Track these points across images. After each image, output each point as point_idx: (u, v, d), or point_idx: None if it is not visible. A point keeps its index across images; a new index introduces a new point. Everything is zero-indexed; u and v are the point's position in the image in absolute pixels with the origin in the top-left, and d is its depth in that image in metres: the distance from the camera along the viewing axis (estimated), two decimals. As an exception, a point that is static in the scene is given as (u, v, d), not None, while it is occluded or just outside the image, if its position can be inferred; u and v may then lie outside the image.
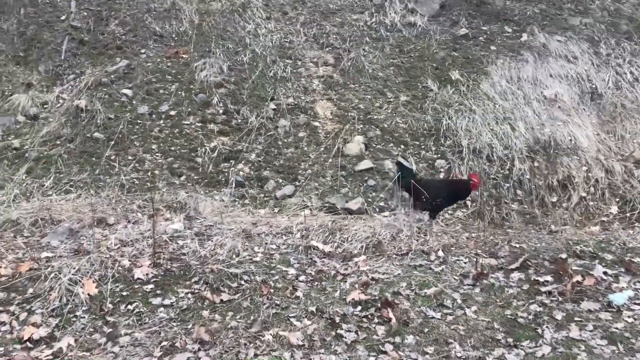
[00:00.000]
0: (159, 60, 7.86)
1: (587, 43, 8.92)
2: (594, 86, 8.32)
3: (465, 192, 5.39)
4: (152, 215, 4.02)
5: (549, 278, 4.04)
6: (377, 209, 6.37)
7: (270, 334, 3.24)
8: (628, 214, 6.17)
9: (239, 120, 7.28)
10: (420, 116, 7.68)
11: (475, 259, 4.15)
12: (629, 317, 3.62)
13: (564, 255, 4.47)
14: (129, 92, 7.24)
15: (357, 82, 8.31)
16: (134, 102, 7.18)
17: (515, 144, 7.21)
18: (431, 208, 5.27)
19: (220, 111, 7.33)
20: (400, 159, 5.78)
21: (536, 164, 7.00)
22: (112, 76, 7.39)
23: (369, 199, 6.43)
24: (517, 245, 4.71)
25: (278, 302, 3.57)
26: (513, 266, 4.19)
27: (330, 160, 6.97)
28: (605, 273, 4.15)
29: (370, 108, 7.84)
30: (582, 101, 8.19)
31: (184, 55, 8.04)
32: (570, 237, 5.01)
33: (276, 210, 6.20)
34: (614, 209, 6.28)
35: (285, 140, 7.22)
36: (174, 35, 8.20)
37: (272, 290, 3.67)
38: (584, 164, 6.98)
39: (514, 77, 8.47)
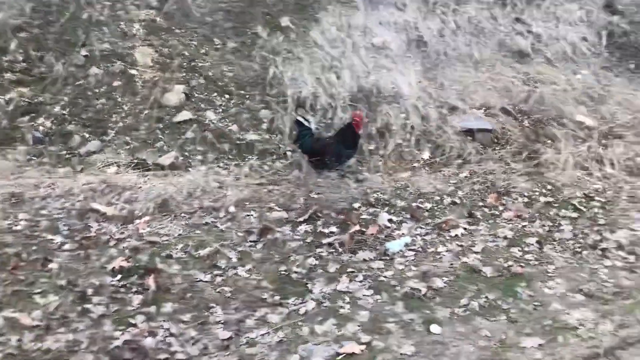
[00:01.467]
0: (-58, 0, 6.71)
1: (416, -10, 8.90)
2: (420, 34, 8.36)
3: (355, 135, 4.96)
4: None
5: (334, 229, 3.95)
6: (194, 163, 5.99)
7: (2, 316, 2.81)
8: (438, 159, 6.30)
9: (43, 69, 6.48)
10: (248, 64, 7.29)
11: (262, 214, 3.95)
12: (400, 264, 3.62)
13: (357, 204, 4.40)
14: None
15: (183, 27, 7.70)
16: None
17: (340, 93, 7.08)
18: (332, 166, 4.95)
19: (20, 58, 6.46)
20: (299, 117, 5.31)
21: (358, 112, 6.92)
22: None
23: (186, 153, 6.03)
24: (316, 196, 4.58)
25: (23, 278, 3.13)
26: (302, 218, 4.05)
27: (146, 111, 6.44)
28: (390, 220, 4.13)
29: (195, 55, 7.32)
30: (409, 49, 8.21)
31: (-23, -5, 6.93)
32: (371, 185, 4.97)
33: (78, 168, 5.60)
34: (426, 155, 6.39)
35: (97, 91, 6.54)
36: (-37, -29, 7.03)
37: (21, 264, 3.21)
38: (403, 111, 7.02)
39: (345, 24, 8.29)
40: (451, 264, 3.67)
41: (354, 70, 7.58)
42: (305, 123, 5.34)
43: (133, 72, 6.92)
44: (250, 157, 6.19)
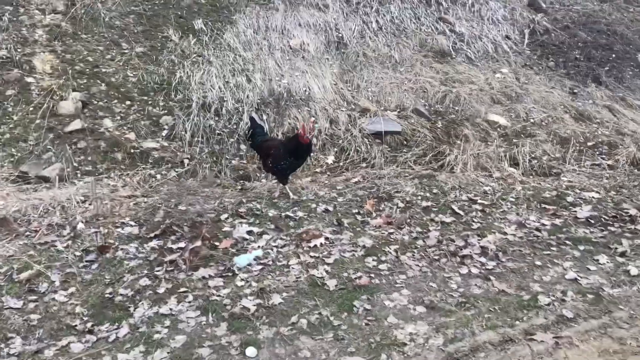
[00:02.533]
0: None
1: (339, -9, 8.75)
2: (340, 35, 8.20)
3: (301, 147, 4.63)
4: None
5: (183, 244, 3.71)
6: (81, 174, 5.73)
7: None
8: (342, 163, 6.13)
9: None
10: (154, 69, 7.05)
11: (105, 230, 3.70)
12: (242, 280, 3.40)
13: (225, 215, 4.18)
14: None
15: (91, 32, 7.45)
16: None
17: (248, 97, 6.87)
18: (276, 171, 4.73)
19: None
20: (254, 115, 5.19)
21: (265, 117, 6.73)
22: None
23: (75, 164, 5.76)
24: (184, 208, 4.35)
25: None
26: (153, 234, 3.81)
27: (38, 121, 6.15)
28: (250, 232, 3.91)
29: (100, 61, 7.06)
30: (328, 50, 8.05)
31: None
32: (249, 195, 4.76)
33: (-49, 183, 5.30)
34: (330, 159, 6.21)
35: (-14, 101, 6.24)
36: None
37: None
38: (313, 114, 6.83)
39: (262, 26, 8.10)
40: (297, 278, 3.46)
41: (267, 74, 7.39)
42: (259, 121, 5.22)
43: (30, 80, 6.64)
44: (144, 166, 5.96)
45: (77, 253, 3.55)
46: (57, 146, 5.93)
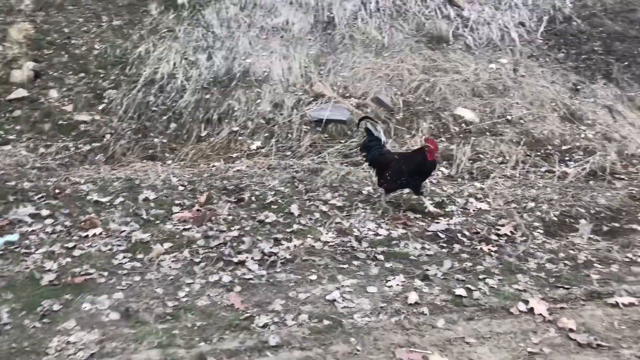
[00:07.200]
0: None
1: (342, -31, 8.02)
2: (332, 15, 7.52)
3: (424, 163, 3.92)
4: None
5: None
6: (2, 142, 5.73)
7: None
8: (265, 150, 5.56)
9: None
10: (121, 42, 6.91)
11: None
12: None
13: (41, 195, 3.86)
14: None
15: (78, 3, 7.49)
16: None
17: (200, 75, 6.49)
18: (398, 185, 4.07)
19: None
20: (369, 126, 4.34)
21: (208, 96, 6.31)
22: None
23: (1, 131, 5.78)
24: (13, 183, 4.09)
25: None
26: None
27: (-17, 89, 6.25)
28: (35, 215, 3.54)
29: (75, 32, 7.05)
30: (313, 31, 7.40)
31: None
32: (105, 175, 4.39)
33: None
34: (256, 145, 5.66)
35: (-53, 67, 6.46)
36: None
37: None
38: (261, 97, 6.29)
39: (250, 3, 7.65)
40: (25, 268, 3.03)
41: (233, 52, 6.93)
42: (375, 133, 4.36)
43: (-2, 48, 6.76)
44: (65, 138, 5.82)
45: None
46: (-7, 113, 5.94)
